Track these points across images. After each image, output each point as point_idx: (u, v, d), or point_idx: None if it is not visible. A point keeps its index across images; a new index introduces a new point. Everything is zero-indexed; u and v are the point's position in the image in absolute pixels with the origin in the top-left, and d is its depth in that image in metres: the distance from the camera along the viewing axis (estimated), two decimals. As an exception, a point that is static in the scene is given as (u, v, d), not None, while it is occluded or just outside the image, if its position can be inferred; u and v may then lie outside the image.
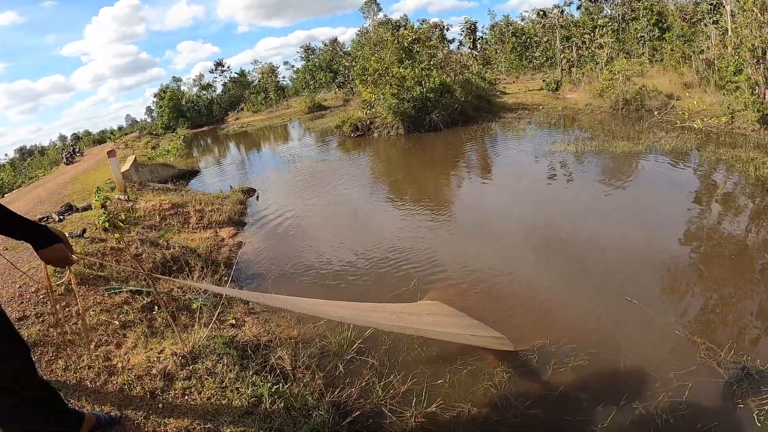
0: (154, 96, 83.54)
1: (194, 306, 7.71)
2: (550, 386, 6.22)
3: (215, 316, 7.35)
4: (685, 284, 8.49)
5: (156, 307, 7.51)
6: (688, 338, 6.83)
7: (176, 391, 5.39)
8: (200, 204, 15.28)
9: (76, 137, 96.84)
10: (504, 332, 7.16)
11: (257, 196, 18.66)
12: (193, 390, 5.45)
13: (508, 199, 14.79)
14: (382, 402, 6.03)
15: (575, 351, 6.75)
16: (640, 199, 13.06)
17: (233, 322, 7.65)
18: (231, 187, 19.10)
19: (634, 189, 14.04)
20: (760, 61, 19.32)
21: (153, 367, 5.79)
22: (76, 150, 48.48)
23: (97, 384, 5.41)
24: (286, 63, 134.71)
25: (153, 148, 39.45)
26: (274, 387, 5.67)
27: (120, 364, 5.89)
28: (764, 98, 19.23)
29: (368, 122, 31.31)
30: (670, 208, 11.98)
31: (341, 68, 64.13)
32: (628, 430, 5.44)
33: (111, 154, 17.06)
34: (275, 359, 6.53)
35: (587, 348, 6.79)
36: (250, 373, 5.91)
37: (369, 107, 31.63)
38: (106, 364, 5.84)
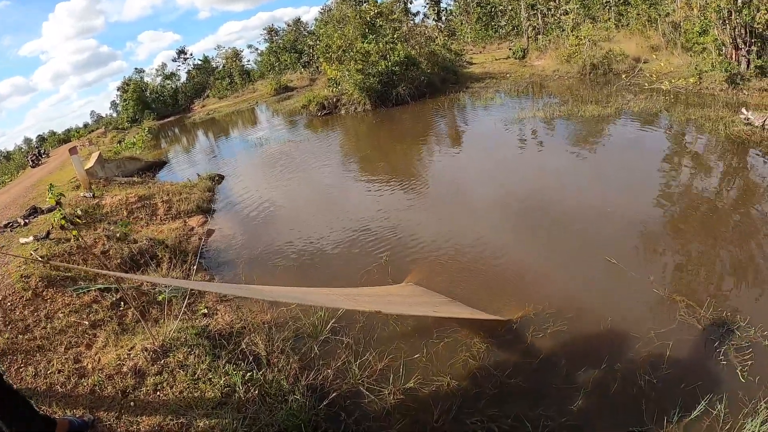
0: (118, 89, 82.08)
1: (160, 298, 7.52)
2: (530, 353, 6.15)
3: (183, 307, 7.23)
4: (662, 243, 8.43)
5: (122, 303, 7.33)
6: (667, 297, 6.79)
7: (148, 388, 5.28)
8: (168, 194, 15.00)
9: (41, 138, 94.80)
10: (483, 304, 7.14)
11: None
12: (164, 385, 5.34)
13: (479, 168, 14.67)
14: (359, 381, 5.95)
15: (554, 317, 6.70)
16: (613, 162, 13.07)
17: (205, 311, 7.50)
18: (198, 175, 18.78)
19: (606, 152, 14.03)
20: (726, 21, 19.23)
21: (124, 364, 5.66)
22: (42, 152, 47.37)
23: (68, 387, 5.29)
24: (250, 46, 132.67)
25: (119, 142, 38.79)
26: (248, 375, 5.56)
27: (90, 365, 5.75)
28: (731, 58, 19.32)
29: (335, 100, 31.03)
30: (643, 169, 11.92)
31: (306, 48, 63.33)
32: (611, 393, 5.39)
33: (72, 151, 16.65)
34: (248, 346, 6.42)
35: (566, 313, 6.74)
36: (223, 362, 5.80)
37: (335, 85, 31.34)
38: (77, 367, 5.70)
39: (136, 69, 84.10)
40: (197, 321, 7.03)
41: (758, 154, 11.74)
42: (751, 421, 4.64)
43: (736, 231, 8.45)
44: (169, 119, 68.23)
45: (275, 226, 12.55)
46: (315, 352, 6.56)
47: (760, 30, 18.18)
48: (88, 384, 5.30)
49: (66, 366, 5.64)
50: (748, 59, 18.61)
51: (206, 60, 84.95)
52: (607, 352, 5.92)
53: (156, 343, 5.91)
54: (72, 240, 9.71)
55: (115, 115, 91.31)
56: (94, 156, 21.05)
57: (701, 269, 7.51)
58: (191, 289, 7.86)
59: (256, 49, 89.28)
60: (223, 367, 5.65)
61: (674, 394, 5.20)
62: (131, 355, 5.78)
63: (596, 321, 6.53)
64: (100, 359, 5.85)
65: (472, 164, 15.22)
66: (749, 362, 5.43)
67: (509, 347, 6.36)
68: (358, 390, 5.83)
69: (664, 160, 12.40)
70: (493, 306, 7.16)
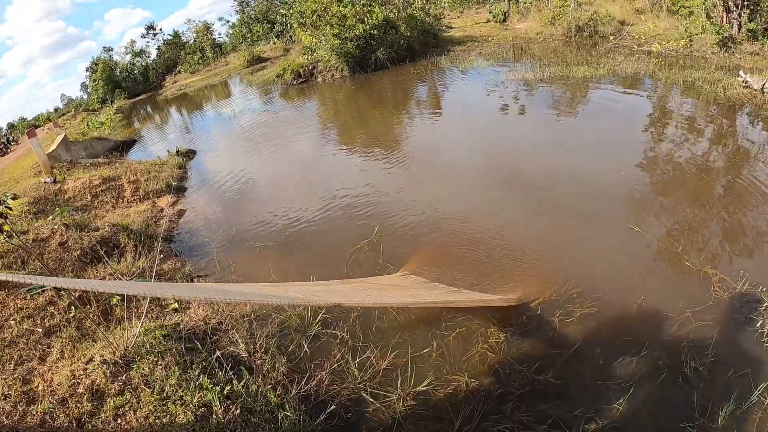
0: (87, 70, 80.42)
1: (113, 301, 6.54)
2: (559, 343, 5.35)
3: (148, 303, 6.24)
4: (689, 211, 7.67)
5: (73, 308, 6.36)
6: (698, 269, 6.09)
7: (107, 414, 4.39)
8: (135, 174, 13.94)
9: (11, 126, 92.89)
10: (492, 286, 6.35)
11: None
12: (127, 408, 4.43)
13: (469, 135, 13.77)
14: (361, 385, 5.11)
15: (580, 297, 5.89)
16: (621, 125, 12.28)
17: (176, 306, 6.53)
18: (168, 151, 17.69)
19: (610, 115, 13.21)
20: None
21: (79, 383, 4.76)
22: (10, 139, 46.03)
23: (14, 418, 4.42)
24: (221, 19, 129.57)
25: (87, 123, 37.66)
26: (227, 388, 4.62)
27: (41, 387, 4.87)
28: (723, 21, 18.91)
29: (311, 67, 30.05)
30: (652, 132, 11.28)
31: (278, 17, 61.87)
32: (656, 386, 4.70)
33: (31, 134, 15.66)
34: (226, 347, 5.52)
35: (592, 292, 5.94)
36: (197, 372, 4.86)
37: (310, 52, 30.28)
38: (26, 390, 4.83)
39: (104, 48, 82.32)
40: (167, 318, 6.12)
41: (765, 117, 11.20)
42: None
43: (761, 200, 7.69)
44: (140, 97, 66.92)
45: (252, 202, 11.63)
46: (305, 350, 5.70)
47: None
48: (37, 412, 4.45)
49: (13, 389, 4.81)
50: (740, 23, 18.23)
51: (176, 35, 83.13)
52: (645, 336, 5.23)
53: (117, 353, 5.00)
54: (31, 233, 8.73)
55: (85, 96, 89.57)
56: (58, 139, 20.05)
57: (733, 239, 6.80)
58: (159, 281, 6.94)
59: (228, 21, 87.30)
60: (197, 380, 4.73)
61: (723, 383, 4.63)
62: (88, 371, 4.89)
63: (627, 300, 5.81)
64: (52, 377, 4.98)
65: (457, 132, 14.36)
66: None
67: (533, 336, 5.55)
68: (359, 396, 5.02)
69: (670, 124, 11.68)
70: (504, 287, 6.34)
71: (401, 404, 4.83)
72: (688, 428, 4.26)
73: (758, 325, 5.15)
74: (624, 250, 6.85)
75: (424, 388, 4.97)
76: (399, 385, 5.02)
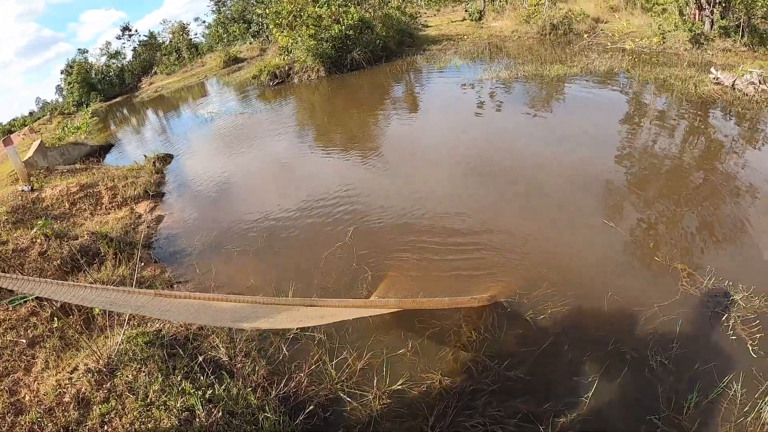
0: (62, 73, 79.21)
1: (96, 312, 6.62)
2: (530, 340, 5.55)
3: (128, 314, 6.33)
4: (660, 207, 7.92)
5: (56, 318, 6.43)
6: (668, 264, 6.35)
7: (93, 421, 4.50)
8: (113, 180, 13.86)
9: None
10: (472, 285, 6.51)
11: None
12: (113, 415, 4.55)
13: (440, 134, 13.88)
14: (338, 385, 5.27)
15: (552, 294, 6.11)
16: (593, 123, 12.49)
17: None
18: (146, 156, 17.60)
19: (583, 112, 13.49)
20: None
21: (65, 392, 4.86)
22: (-15, 145, 45.13)
23: (3, 429, 4.53)
24: (197, 19, 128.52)
25: (63, 128, 37.15)
26: (209, 392, 4.77)
27: (28, 397, 4.95)
28: (695, 19, 19.33)
29: (287, 68, 29.82)
30: (625, 129, 11.52)
31: (255, 17, 61.49)
32: (622, 379, 4.91)
33: (7, 141, 15.36)
34: (207, 352, 5.65)
35: (565, 289, 6.17)
36: (179, 377, 5.00)
37: (286, 52, 30.17)
38: (13, 401, 4.92)
39: (79, 50, 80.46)
40: (148, 326, 6.21)
41: (736, 113, 11.59)
42: None
43: (735, 195, 8.00)
44: (116, 100, 65.95)
45: (230, 206, 11.66)
46: (284, 353, 5.84)
47: None
48: (26, 423, 4.54)
49: (1, 401, 4.90)
50: (712, 20, 18.68)
51: (152, 36, 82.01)
52: (613, 331, 5.45)
53: (101, 362, 5.11)
54: (10, 243, 8.77)
55: (61, 100, 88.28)
56: (34, 145, 19.79)
57: (703, 235, 7.07)
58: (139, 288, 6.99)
59: (204, 21, 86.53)
60: (180, 385, 4.87)
61: (688, 376, 4.86)
62: (73, 380, 5.00)
63: (598, 296, 6.03)
64: (38, 388, 5.06)
65: (433, 131, 14.42)
66: (758, 335, 5.16)
67: (505, 334, 5.73)
68: (337, 396, 5.17)
69: (644, 121, 11.97)
70: (478, 287, 6.50)
71: (377, 403, 4.99)
72: (654, 419, 4.46)
73: (723, 318, 5.40)
74: (597, 246, 7.08)
75: (400, 387, 5.13)
76: (375, 384, 5.18)
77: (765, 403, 4.41)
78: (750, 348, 5.01)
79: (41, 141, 21.35)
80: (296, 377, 5.32)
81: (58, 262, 8.39)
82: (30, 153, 17.92)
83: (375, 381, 5.23)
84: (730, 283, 5.87)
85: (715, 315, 5.50)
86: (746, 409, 4.43)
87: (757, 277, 5.96)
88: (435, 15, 45.17)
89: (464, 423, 4.68)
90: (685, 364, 4.95)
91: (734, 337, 5.18)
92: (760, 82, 12.52)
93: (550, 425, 4.57)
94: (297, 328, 6.15)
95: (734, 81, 12.94)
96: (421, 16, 39.80)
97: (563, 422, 4.59)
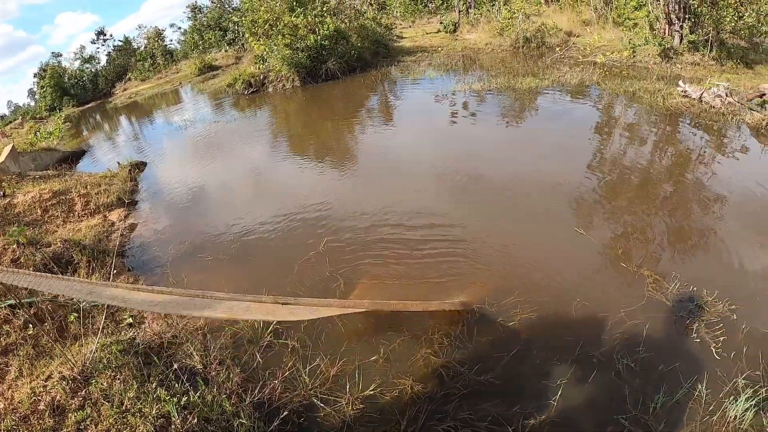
0: (35, 76, 78.13)
1: (71, 319, 6.62)
2: (500, 345, 5.69)
3: (104, 318, 6.36)
4: (629, 215, 8.18)
5: (30, 326, 6.42)
6: (635, 271, 6.58)
7: (69, 428, 4.53)
8: (85, 187, 13.73)
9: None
10: (443, 291, 6.65)
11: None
12: (88, 422, 4.58)
13: (415, 144, 14.06)
14: (312, 392, 5.35)
15: (523, 301, 6.27)
16: (560, 134, 12.70)
17: (130, 320, 6.66)
18: (119, 163, 17.46)
19: (550, 124, 13.72)
20: None
21: (40, 400, 4.87)
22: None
23: (-21, 439, 4.49)
24: (172, 25, 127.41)
25: (36, 133, 36.64)
26: (184, 398, 4.82)
27: (2, 405, 4.95)
28: (665, 33, 19.76)
29: (262, 77, 29.83)
30: (593, 141, 11.79)
31: (231, 24, 61.32)
32: (589, 382, 5.08)
33: (-23, 146, 15.23)
34: (182, 359, 5.69)
35: (535, 296, 6.34)
36: (154, 384, 5.04)
37: (261, 61, 30.11)
38: (-12, 410, 4.88)
39: (53, 53, 79.70)
40: (122, 333, 6.24)
41: (703, 125, 11.91)
42: (734, 402, 4.60)
43: (699, 204, 8.30)
44: (89, 105, 65.18)
45: (204, 214, 11.62)
46: (258, 360, 5.91)
47: (694, 6, 18.69)
48: (1, 431, 4.51)
49: None
50: (681, 34, 19.10)
51: (127, 41, 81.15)
52: (581, 336, 5.62)
53: (75, 369, 5.12)
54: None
55: (33, 104, 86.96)
56: (6, 150, 19.53)
57: (669, 241, 7.31)
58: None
59: (179, 27, 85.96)
60: (155, 392, 4.91)
61: (654, 378, 5.05)
62: (48, 387, 5.00)
63: (567, 302, 6.20)
64: (13, 396, 5.05)
65: (407, 140, 14.59)
66: (721, 338, 5.37)
67: (475, 340, 5.85)
68: (311, 402, 5.24)
69: (612, 132, 12.28)
70: (450, 294, 6.63)
71: (350, 408, 5.08)
72: (621, 420, 4.62)
73: (688, 322, 5.62)
74: (567, 254, 7.27)
75: (372, 392, 5.23)
76: (348, 390, 5.26)
77: (730, 402, 4.58)
78: (714, 350, 5.22)
79: (13, 146, 21.01)
80: (270, 384, 5.37)
81: (31, 269, 8.34)
82: (1, 158, 17.68)
83: (348, 387, 5.31)
84: (695, 288, 6.10)
85: (679, 319, 5.71)
86: (711, 408, 4.61)
87: (721, 283, 6.18)
88: (410, 26, 45.38)
89: (435, 427, 4.79)
90: (651, 366, 5.14)
91: (698, 340, 5.38)
92: (726, 95, 12.88)
93: (519, 427, 4.70)
94: (270, 336, 6.22)
95: (701, 94, 13.27)
96: (396, 28, 40.06)
97: (533, 424, 4.73)
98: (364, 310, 6.05)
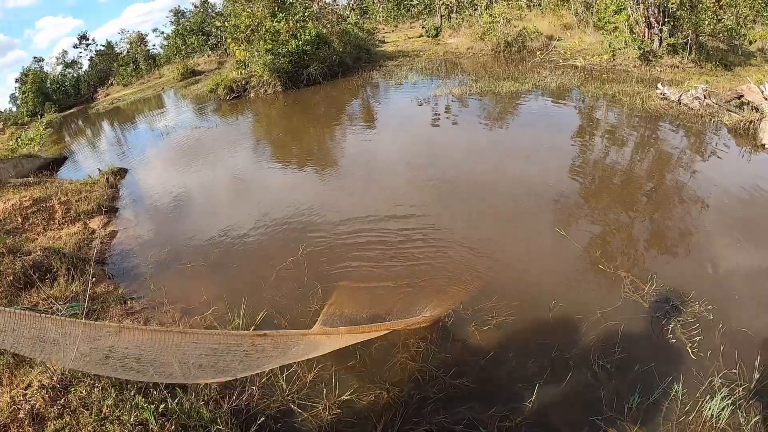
0: (16, 81, 77.39)
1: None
2: (475, 349, 5.78)
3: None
4: (608, 217, 8.35)
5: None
6: (612, 272, 6.71)
7: (49, 437, 4.52)
8: (66, 195, 13.64)
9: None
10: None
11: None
12: (68, 430, 4.60)
13: (396, 149, 14.16)
14: (289, 397, 5.40)
15: (499, 305, 6.37)
16: (540, 137, 12.86)
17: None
18: (100, 170, 17.35)
19: (531, 127, 13.87)
20: (640, 1, 19.91)
21: (20, 409, 4.87)
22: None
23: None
24: (155, 30, 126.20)
25: (17, 139, 36.25)
26: (162, 406, 4.84)
27: (-19, 414, 4.93)
28: (644, 37, 20.05)
29: (244, 82, 29.60)
30: (572, 143, 11.99)
31: (213, 29, 61.10)
32: (565, 383, 5.16)
33: (-43, 153, 15.12)
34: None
35: (511, 300, 6.42)
36: (132, 392, 5.04)
37: (243, 66, 30.07)
38: (-32, 420, 4.88)
39: (35, 58, 78.68)
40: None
41: (682, 126, 12.21)
42: (710, 401, 4.69)
43: (677, 205, 8.49)
44: (71, 111, 64.59)
45: (184, 221, 11.61)
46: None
47: (673, 9, 19.02)
48: (-20, 441, 4.53)
49: None
50: (661, 37, 19.49)
51: (109, 46, 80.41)
52: (557, 338, 5.72)
53: (54, 378, 5.13)
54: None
55: (14, 109, 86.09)
56: (-14, 157, 19.42)
57: (646, 243, 7.45)
58: (92, 305, 7.01)
59: (162, 32, 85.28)
60: (133, 399, 4.92)
61: (630, 378, 5.13)
62: (28, 396, 5.00)
63: (544, 303, 6.30)
64: (-8, 405, 5.03)
65: (388, 145, 14.71)
66: (697, 338, 5.47)
67: (451, 344, 5.93)
68: (288, 408, 5.29)
69: (592, 134, 12.51)
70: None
71: (327, 413, 5.14)
72: (597, 421, 4.72)
73: (664, 323, 5.75)
74: (545, 257, 7.41)
75: (349, 397, 5.29)
76: (325, 395, 5.33)
77: (706, 402, 4.68)
78: (689, 350, 5.33)
79: (-6, 152, 20.89)
80: (248, 390, 5.41)
81: (11, 278, 8.30)
82: (-18, 167, 17.54)
83: (324, 392, 5.37)
84: (671, 288, 6.24)
85: (655, 320, 5.83)
86: (687, 408, 4.73)
87: (696, 284, 6.34)
88: (393, 31, 45.50)
89: (412, 430, 4.86)
90: (627, 367, 5.23)
91: (674, 341, 5.50)
92: (705, 97, 13.13)
93: (495, 429, 4.78)
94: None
95: (680, 96, 13.56)
96: (378, 32, 40.15)
97: (508, 426, 4.81)
98: (345, 345, 6.04)
